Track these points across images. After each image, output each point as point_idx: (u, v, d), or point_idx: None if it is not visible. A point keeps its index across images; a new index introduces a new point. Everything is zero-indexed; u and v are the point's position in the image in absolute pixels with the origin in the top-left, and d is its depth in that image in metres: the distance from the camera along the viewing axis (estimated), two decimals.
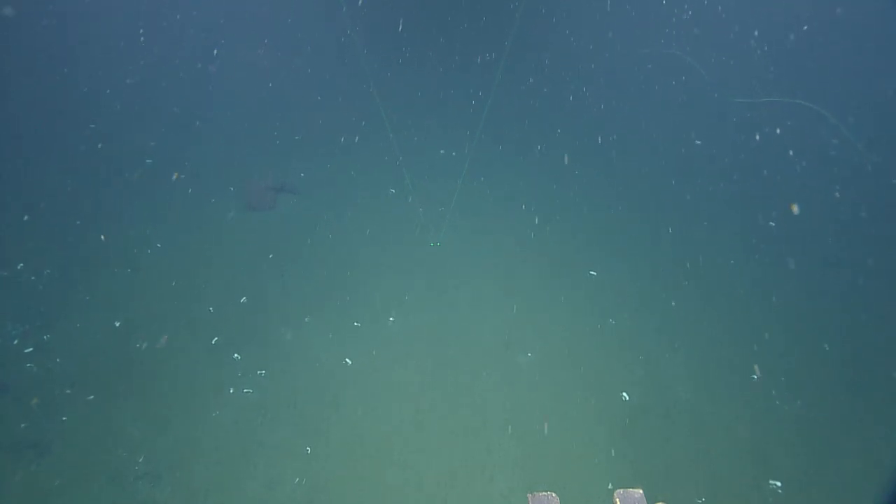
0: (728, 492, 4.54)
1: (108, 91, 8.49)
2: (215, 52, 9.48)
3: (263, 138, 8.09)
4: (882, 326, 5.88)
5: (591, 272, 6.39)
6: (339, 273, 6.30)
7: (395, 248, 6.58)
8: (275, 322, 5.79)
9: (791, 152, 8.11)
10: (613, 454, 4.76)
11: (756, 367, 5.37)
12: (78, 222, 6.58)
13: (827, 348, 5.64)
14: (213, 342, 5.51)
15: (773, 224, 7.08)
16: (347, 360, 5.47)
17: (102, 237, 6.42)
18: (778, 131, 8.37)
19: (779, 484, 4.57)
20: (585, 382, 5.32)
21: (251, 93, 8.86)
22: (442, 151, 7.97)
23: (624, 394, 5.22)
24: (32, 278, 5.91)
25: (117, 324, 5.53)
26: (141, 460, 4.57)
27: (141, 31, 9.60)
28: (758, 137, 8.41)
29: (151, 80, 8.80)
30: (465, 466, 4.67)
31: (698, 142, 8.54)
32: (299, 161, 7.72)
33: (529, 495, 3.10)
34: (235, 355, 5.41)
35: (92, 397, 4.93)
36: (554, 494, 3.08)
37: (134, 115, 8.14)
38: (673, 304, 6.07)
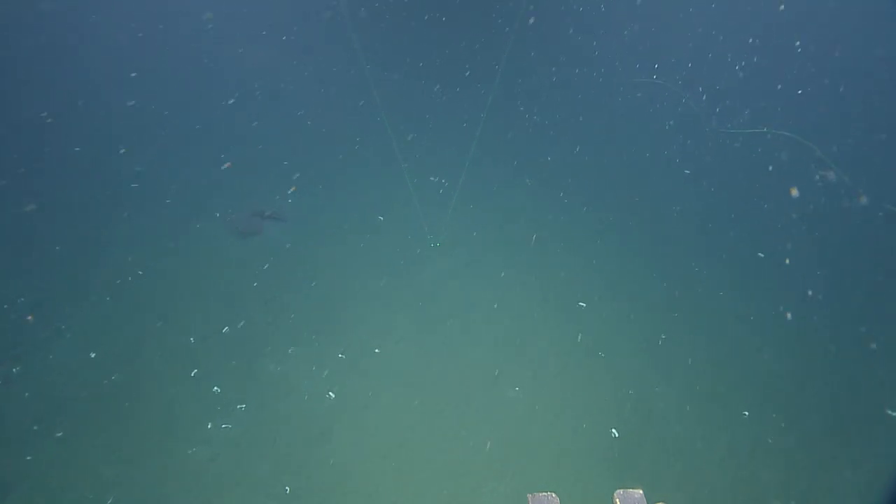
0: None
1: (90, 113, 8.41)
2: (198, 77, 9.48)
3: (252, 163, 8.02)
4: (871, 359, 5.83)
5: (581, 304, 6.31)
6: (325, 303, 6.17)
7: (383, 278, 6.47)
8: (257, 353, 5.63)
9: (779, 184, 8.18)
10: (601, 489, 4.62)
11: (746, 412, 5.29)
12: (57, 248, 6.42)
13: (819, 383, 5.56)
14: (193, 374, 5.34)
15: (762, 255, 7.07)
16: (331, 393, 5.31)
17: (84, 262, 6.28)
18: (770, 168, 8.45)
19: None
20: (574, 417, 5.19)
21: (240, 118, 8.81)
22: (432, 178, 7.94)
23: (614, 430, 5.09)
24: (5, 307, 5.72)
25: (92, 355, 5.35)
26: (110, 502, 4.36)
27: (122, 51, 9.60)
28: (746, 168, 8.48)
29: (139, 103, 8.74)
30: None
31: (687, 171, 8.59)
32: (287, 186, 7.64)
33: (529, 496, 3.02)
34: (215, 388, 5.24)
35: (60, 434, 4.72)
36: (554, 495, 2.99)
37: (118, 139, 8.03)
38: (663, 336, 6.00)
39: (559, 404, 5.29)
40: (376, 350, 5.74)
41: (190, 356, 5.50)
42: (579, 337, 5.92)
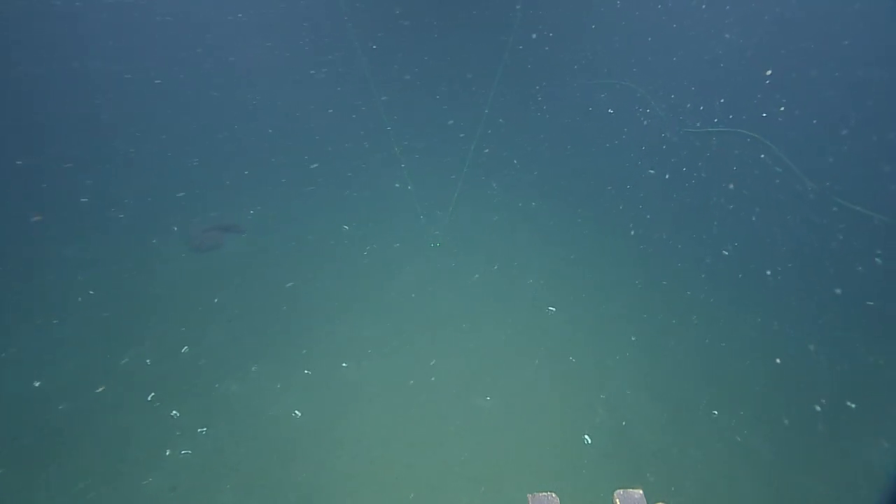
0: None
1: (32, 123, 8.00)
2: (157, 81, 9.14)
3: (209, 173, 7.74)
4: (837, 358, 5.96)
5: (550, 308, 6.28)
6: (290, 318, 5.98)
7: (349, 290, 6.31)
8: (219, 373, 5.40)
9: (735, 182, 8.35)
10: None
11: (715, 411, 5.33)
12: None
13: (792, 386, 5.65)
14: (149, 398, 5.07)
15: (726, 253, 7.18)
16: (297, 411, 5.12)
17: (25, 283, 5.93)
18: (735, 168, 8.61)
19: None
20: (547, 424, 5.14)
21: (196, 123, 8.52)
22: (397, 185, 7.82)
23: (586, 436, 5.06)
24: None
25: (37, 384, 5.03)
26: None
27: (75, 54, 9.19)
28: (708, 167, 8.63)
29: (86, 111, 8.36)
30: None
31: (651, 171, 8.69)
32: (249, 197, 7.41)
33: (530, 496, 2.97)
34: (173, 412, 4.99)
35: (1, 471, 4.41)
36: (554, 495, 2.95)
37: (64, 151, 7.65)
38: (633, 338, 6.01)
39: (531, 412, 5.23)
40: (344, 364, 5.58)
41: (146, 380, 5.23)
42: (548, 342, 5.88)
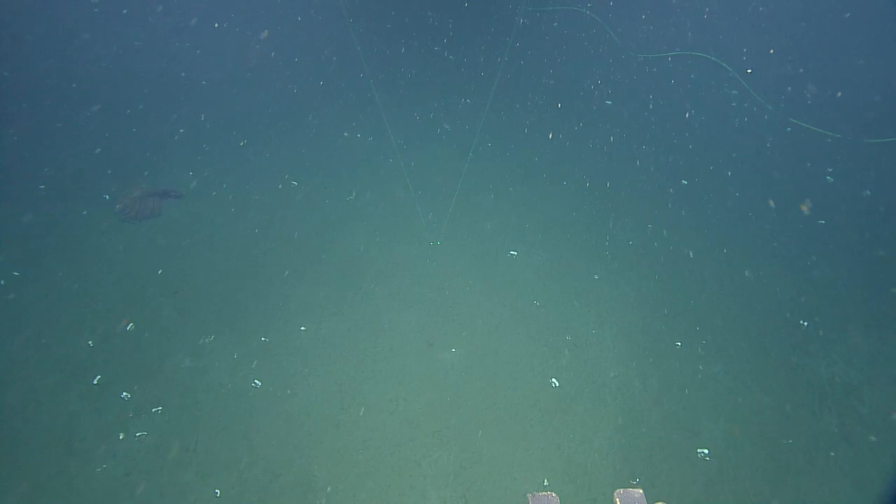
0: (664, 465, 4.53)
1: None
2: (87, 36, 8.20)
3: (142, 133, 7.11)
4: (779, 272, 6.07)
5: (512, 252, 6.14)
6: (241, 283, 5.67)
7: (300, 250, 6.00)
8: (170, 348, 5.12)
9: (697, 105, 8.21)
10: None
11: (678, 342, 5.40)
12: None
13: (750, 309, 5.75)
14: (96, 382, 4.78)
15: (685, 182, 7.11)
16: (256, 381, 4.93)
17: None
18: (692, 92, 8.41)
19: (706, 451, 4.61)
20: (514, 372, 5.11)
21: (127, 79, 7.75)
22: (346, 135, 7.37)
23: (553, 380, 5.06)
24: None
25: None
26: None
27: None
28: (665, 93, 8.43)
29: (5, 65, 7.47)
30: (396, 486, 4.34)
31: (609, 102, 8.44)
32: (186, 159, 6.86)
33: (530, 496, 2.94)
34: (124, 394, 4.72)
35: None
36: (554, 494, 2.92)
37: None
38: (596, 277, 5.97)
39: (496, 361, 5.18)
40: (302, 328, 5.36)
41: (90, 362, 4.91)
42: (512, 287, 5.79)
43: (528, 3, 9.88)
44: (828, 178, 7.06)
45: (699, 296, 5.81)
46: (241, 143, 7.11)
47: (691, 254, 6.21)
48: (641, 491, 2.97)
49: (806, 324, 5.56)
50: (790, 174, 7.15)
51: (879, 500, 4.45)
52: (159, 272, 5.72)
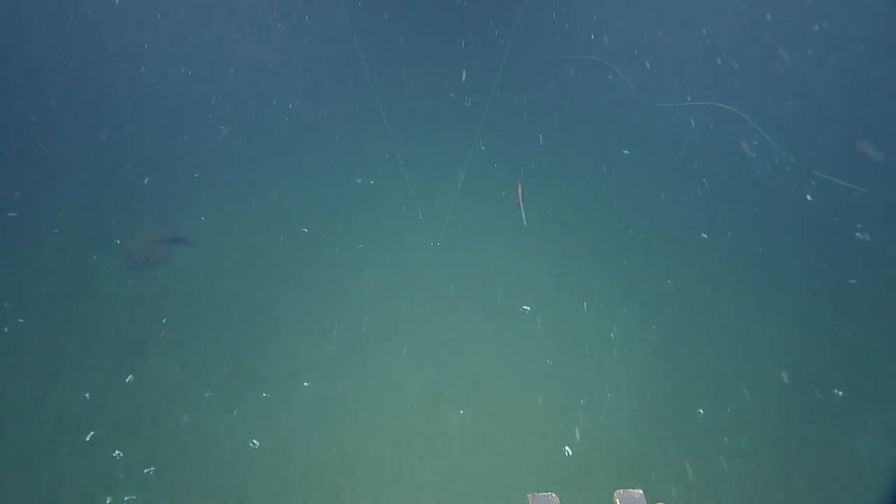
0: None
1: None
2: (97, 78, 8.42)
3: (155, 178, 7.15)
4: (809, 336, 5.73)
5: (524, 307, 5.92)
6: (246, 334, 5.53)
7: (308, 300, 5.86)
8: (168, 403, 4.96)
9: (716, 156, 8.03)
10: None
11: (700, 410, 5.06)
12: None
13: (783, 377, 5.41)
14: (88, 438, 4.61)
15: (705, 236, 6.87)
16: (254, 441, 4.72)
17: None
18: (711, 144, 8.27)
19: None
20: (524, 438, 4.82)
21: (141, 123, 7.87)
22: (359, 180, 7.33)
23: (567, 448, 4.75)
24: None
25: None
26: None
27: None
28: (683, 142, 8.28)
29: (15, 109, 7.65)
30: None
31: (626, 151, 8.32)
32: (198, 204, 6.85)
33: (530, 496, 2.89)
34: (116, 453, 4.54)
35: None
36: (554, 495, 2.89)
37: None
38: (612, 334, 5.70)
39: (505, 425, 4.90)
40: (305, 384, 5.17)
41: (85, 416, 4.76)
42: (525, 345, 5.54)
43: (549, 53, 9.94)
44: (857, 234, 6.76)
45: (723, 358, 5.49)
46: (254, 188, 7.09)
47: (711, 314, 5.91)
48: (641, 491, 2.90)
49: (841, 393, 5.18)
50: (816, 229, 6.86)
51: (879, 500, 4.12)
52: (163, 321, 5.62)
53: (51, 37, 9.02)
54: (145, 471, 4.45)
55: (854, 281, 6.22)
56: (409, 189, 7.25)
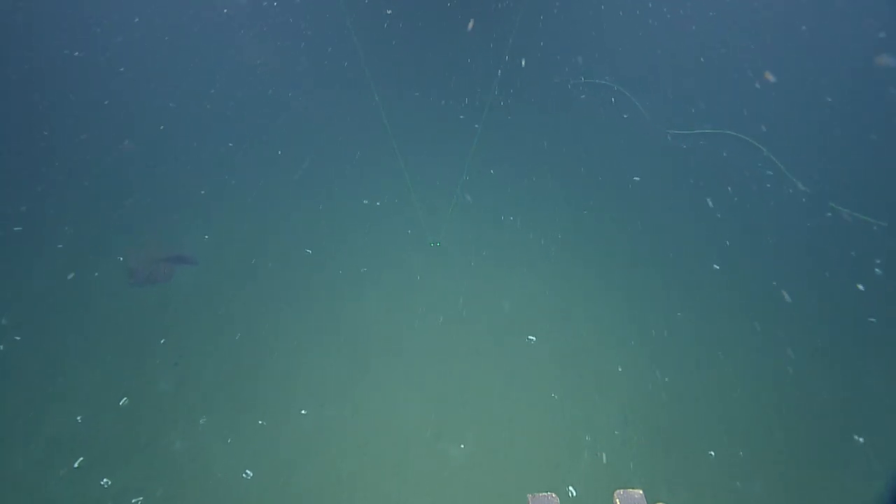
0: None
1: None
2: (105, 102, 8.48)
3: (159, 195, 7.12)
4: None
5: (530, 337, 5.76)
6: (244, 357, 5.41)
7: (308, 324, 5.74)
8: (161, 427, 4.83)
9: (728, 186, 7.87)
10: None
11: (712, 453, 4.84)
12: None
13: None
14: (77, 465, 4.48)
15: (717, 267, 6.69)
16: (248, 472, 4.56)
17: None
18: (724, 172, 8.13)
19: None
20: (527, 477, 4.63)
21: (147, 139, 7.88)
22: (365, 201, 7.25)
23: (571, 488, 4.55)
24: None
25: None
26: None
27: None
28: (695, 170, 8.14)
29: (23, 125, 7.68)
30: None
31: (637, 178, 8.19)
32: (202, 221, 6.79)
33: (530, 496, 2.87)
34: (104, 481, 4.40)
35: None
36: (554, 495, 2.87)
37: None
38: (620, 369, 5.51)
39: (507, 462, 4.71)
40: (303, 412, 5.02)
41: (74, 441, 4.64)
42: (530, 377, 5.37)
43: (559, 76, 9.89)
44: (876, 269, 6.55)
45: (735, 399, 5.28)
46: (259, 209, 7.03)
47: (724, 350, 5.71)
48: (641, 491, 2.89)
49: (861, 440, 4.95)
50: (832, 264, 6.66)
51: (879, 500, 4.01)
52: (161, 342, 5.52)
53: (60, 53, 9.12)
54: (133, 501, 4.30)
55: (873, 320, 6.00)
56: (416, 212, 7.15)
